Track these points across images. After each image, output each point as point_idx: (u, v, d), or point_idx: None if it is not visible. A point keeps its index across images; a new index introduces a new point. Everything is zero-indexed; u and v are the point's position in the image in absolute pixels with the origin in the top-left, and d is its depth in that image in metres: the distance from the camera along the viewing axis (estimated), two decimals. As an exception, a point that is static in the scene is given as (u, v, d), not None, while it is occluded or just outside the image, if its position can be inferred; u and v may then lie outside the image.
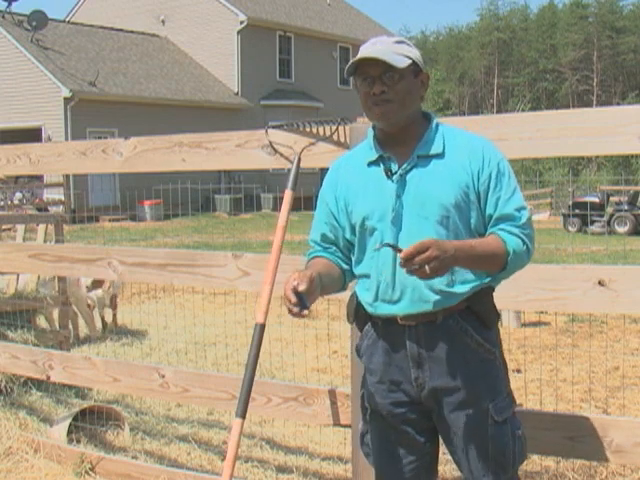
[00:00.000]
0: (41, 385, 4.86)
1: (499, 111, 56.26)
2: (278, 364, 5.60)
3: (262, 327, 2.82)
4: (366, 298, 2.21)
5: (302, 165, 2.97)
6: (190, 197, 7.17)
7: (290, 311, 2.00)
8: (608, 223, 19.32)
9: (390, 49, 2.12)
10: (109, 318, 7.51)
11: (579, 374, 5.15)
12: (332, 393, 2.97)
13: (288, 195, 2.93)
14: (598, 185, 21.87)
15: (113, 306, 7.45)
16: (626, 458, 2.55)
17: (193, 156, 3.25)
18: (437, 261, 1.93)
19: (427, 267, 1.92)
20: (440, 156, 2.15)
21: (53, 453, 3.78)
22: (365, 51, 2.14)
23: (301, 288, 1.99)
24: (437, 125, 2.21)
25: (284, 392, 3.08)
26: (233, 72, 28.35)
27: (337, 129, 2.91)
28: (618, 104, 46.45)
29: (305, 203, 4.91)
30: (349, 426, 2.92)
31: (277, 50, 29.84)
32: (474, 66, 63.40)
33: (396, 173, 2.15)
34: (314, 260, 2.30)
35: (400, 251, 1.96)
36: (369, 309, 2.22)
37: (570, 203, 20.10)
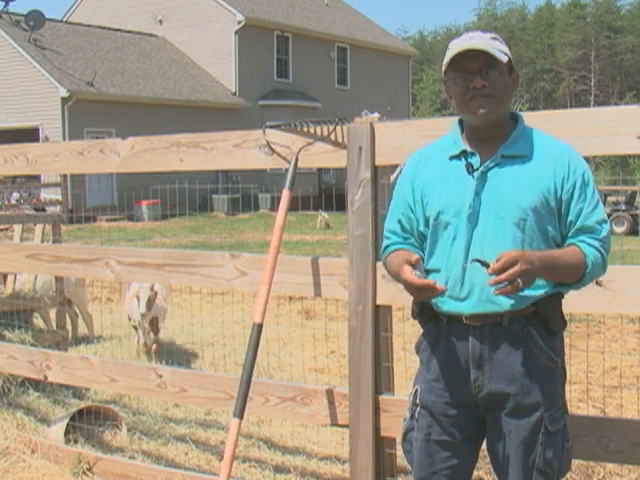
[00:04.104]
0: (38, 385, 4.86)
1: (497, 111, 56.15)
2: (276, 364, 5.60)
3: (260, 327, 2.83)
4: None
5: (300, 165, 2.98)
6: (188, 197, 7.16)
7: (427, 293, 2.04)
8: (606, 223, 19.31)
9: (489, 44, 2.07)
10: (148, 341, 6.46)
11: (577, 374, 5.14)
12: (330, 393, 2.97)
13: (286, 195, 2.94)
14: (596, 185, 21.88)
15: (155, 330, 6.36)
16: (624, 458, 2.55)
17: (191, 156, 3.25)
18: (526, 275, 1.91)
19: (520, 281, 1.90)
20: (524, 158, 2.12)
21: (50, 453, 3.77)
22: (464, 44, 2.07)
23: (414, 259, 2.05)
24: (524, 127, 2.18)
25: (282, 392, 3.08)
26: (231, 72, 28.34)
27: (334, 129, 2.91)
28: (616, 104, 46.46)
29: (303, 203, 4.91)
30: (347, 426, 2.91)
31: (275, 50, 29.81)
32: (472, 66, 63.29)
33: (477, 170, 2.10)
34: (396, 252, 2.23)
35: (488, 266, 1.90)
36: (435, 305, 2.16)
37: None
